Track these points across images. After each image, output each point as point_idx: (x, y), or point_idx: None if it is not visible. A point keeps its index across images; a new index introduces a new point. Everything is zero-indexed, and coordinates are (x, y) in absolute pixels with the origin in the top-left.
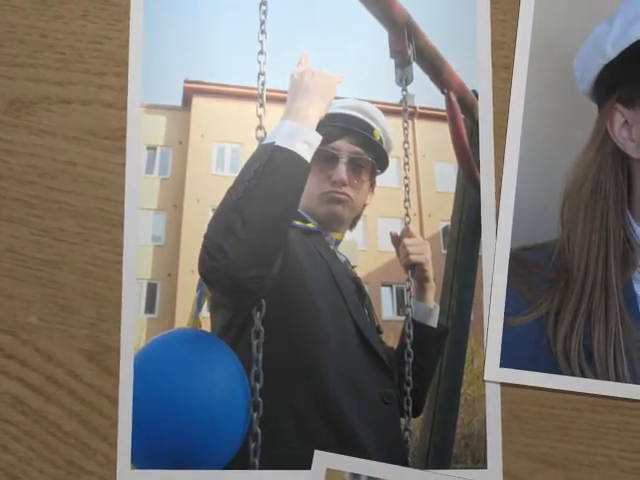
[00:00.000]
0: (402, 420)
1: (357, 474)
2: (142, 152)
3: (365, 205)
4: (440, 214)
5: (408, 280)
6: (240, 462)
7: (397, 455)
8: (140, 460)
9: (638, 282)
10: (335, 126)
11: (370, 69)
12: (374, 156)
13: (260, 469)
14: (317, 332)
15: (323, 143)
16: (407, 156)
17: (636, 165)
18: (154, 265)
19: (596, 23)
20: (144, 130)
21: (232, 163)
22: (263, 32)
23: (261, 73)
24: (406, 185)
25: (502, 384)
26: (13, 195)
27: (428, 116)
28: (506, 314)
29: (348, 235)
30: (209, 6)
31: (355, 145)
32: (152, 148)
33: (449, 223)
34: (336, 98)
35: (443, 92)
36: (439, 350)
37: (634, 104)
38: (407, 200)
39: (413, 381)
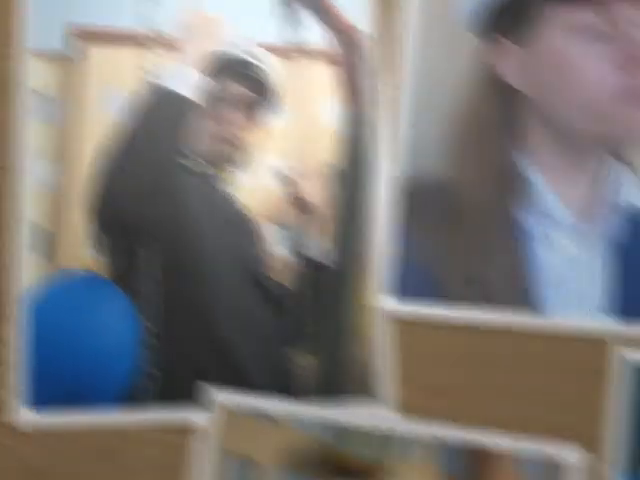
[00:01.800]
0: (293, 352)
1: (249, 409)
2: (30, 100)
3: (254, 145)
4: (329, 153)
5: (299, 218)
6: (135, 399)
7: (287, 387)
8: (31, 400)
9: (527, 214)
10: (223, 67)
11: (257, 10)
12: (263, 97)
13: (154, 406)
14: (208, 271)
15: (211, 85)
16: (295, 96)
17: (518, 96)
18: (46, 210)
19: None
20: (31, 77)
21: (121, 109)
22: None
23: (147, 17)
24: (295, 125)
25: (394, 316)
26: None
27: (316, 56)
28: (397, 249)
29: (238, 175)
30: None
31: (243, 86)
32: (41, 95)
33: (338, 161)
34: (223, 40)
35: (330, 31)
36: (331, 286)
37: (515, 34)
38: (296, 140)
39: (304, 315)
